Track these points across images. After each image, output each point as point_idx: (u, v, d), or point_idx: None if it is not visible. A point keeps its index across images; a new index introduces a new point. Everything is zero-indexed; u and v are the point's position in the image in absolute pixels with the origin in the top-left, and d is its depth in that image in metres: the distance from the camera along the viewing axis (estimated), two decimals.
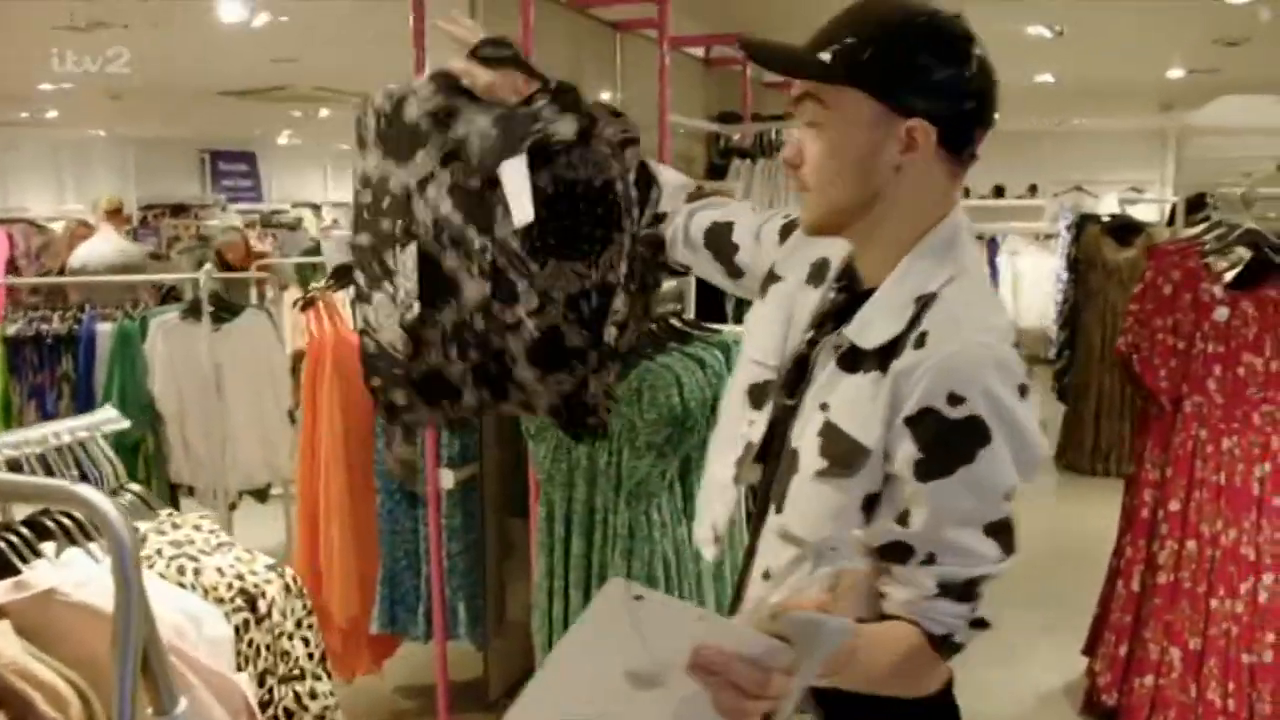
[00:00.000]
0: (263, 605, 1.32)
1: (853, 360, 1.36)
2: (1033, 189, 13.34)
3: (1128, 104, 10.70)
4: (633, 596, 0.94)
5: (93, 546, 1.30)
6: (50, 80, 6.27)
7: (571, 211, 1.74)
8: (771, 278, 1.57)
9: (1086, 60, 7.44)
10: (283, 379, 4.53)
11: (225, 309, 4.47)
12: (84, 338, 4.32)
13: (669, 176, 1.83)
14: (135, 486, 1.45)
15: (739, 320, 3.38)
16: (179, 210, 12.24)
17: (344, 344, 3.47)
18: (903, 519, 1.31)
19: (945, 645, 1.33)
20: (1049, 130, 13.35)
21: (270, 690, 1.34)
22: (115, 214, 8.69)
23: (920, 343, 1.30)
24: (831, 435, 1.36)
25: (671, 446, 2.58)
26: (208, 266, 4.54)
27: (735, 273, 1.72)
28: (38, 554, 1.25)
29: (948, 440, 1.27)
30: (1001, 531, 1.31)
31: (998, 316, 1.37)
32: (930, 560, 1.30)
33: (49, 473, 1.30)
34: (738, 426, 1.53)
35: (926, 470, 1.28)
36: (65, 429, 1.33)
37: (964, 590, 1.31)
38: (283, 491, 4.66)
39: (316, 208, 13.62)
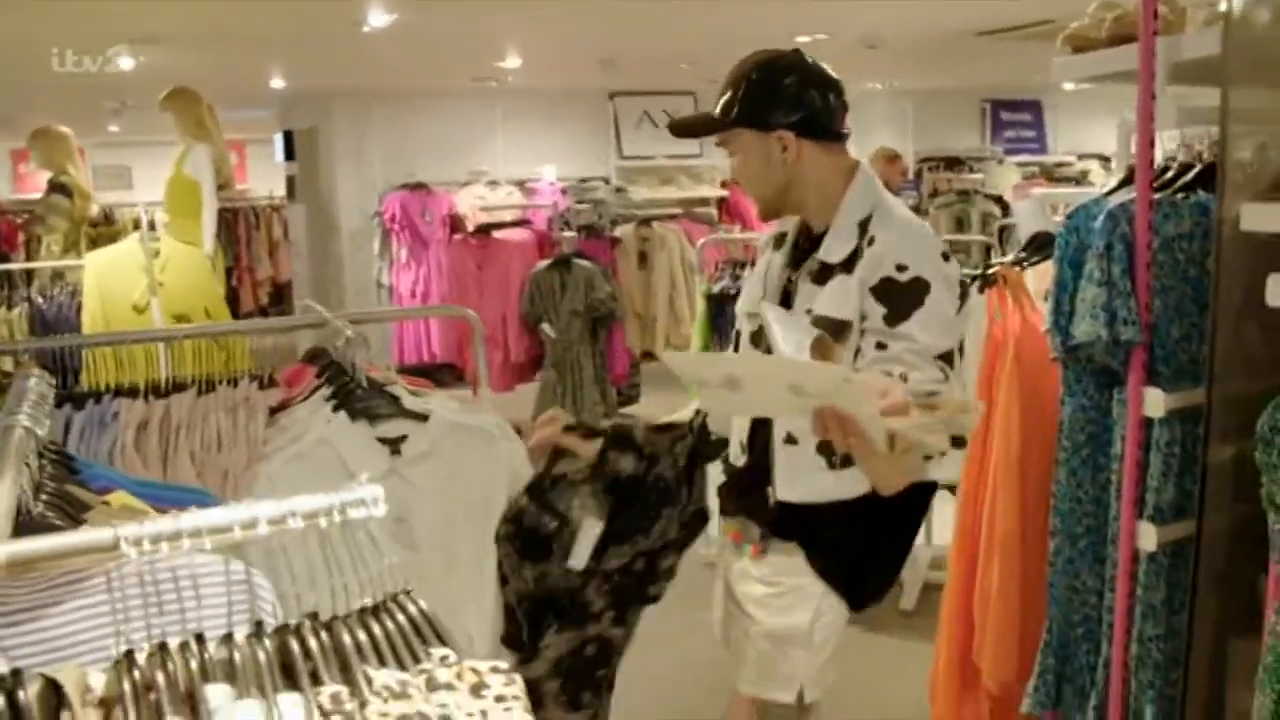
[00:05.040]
0: None
1: (823, 274, 2.16)
2: None
3: None
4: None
5: None
6: (805, 32, 6.16)
7: (634, 512, 2.27)
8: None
9: None
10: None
11: None
12: None
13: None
14: None
15: None
16: (953, 163, 11.83)
17: (1031, 333, 2.73)
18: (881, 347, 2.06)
19: None
20: None
21: None
22: (891, 162, 8.68)
23: (870, 243, 2.13)
24: (821, 323, 2.11)
25: None
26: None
27: None
28: None
29: (902, 294, 2.06)
30: (946, 358, 2.05)
31: (913, 216, 2.23)
32: (903, 378, 1.94)
33: None
34: None
35: (892, 318, 2.05)
36: None
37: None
38: None
39: (1106, 159, 12.38)
